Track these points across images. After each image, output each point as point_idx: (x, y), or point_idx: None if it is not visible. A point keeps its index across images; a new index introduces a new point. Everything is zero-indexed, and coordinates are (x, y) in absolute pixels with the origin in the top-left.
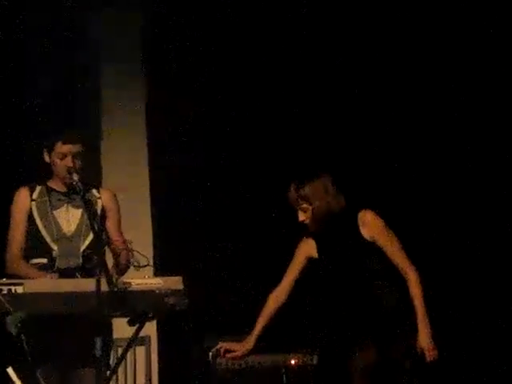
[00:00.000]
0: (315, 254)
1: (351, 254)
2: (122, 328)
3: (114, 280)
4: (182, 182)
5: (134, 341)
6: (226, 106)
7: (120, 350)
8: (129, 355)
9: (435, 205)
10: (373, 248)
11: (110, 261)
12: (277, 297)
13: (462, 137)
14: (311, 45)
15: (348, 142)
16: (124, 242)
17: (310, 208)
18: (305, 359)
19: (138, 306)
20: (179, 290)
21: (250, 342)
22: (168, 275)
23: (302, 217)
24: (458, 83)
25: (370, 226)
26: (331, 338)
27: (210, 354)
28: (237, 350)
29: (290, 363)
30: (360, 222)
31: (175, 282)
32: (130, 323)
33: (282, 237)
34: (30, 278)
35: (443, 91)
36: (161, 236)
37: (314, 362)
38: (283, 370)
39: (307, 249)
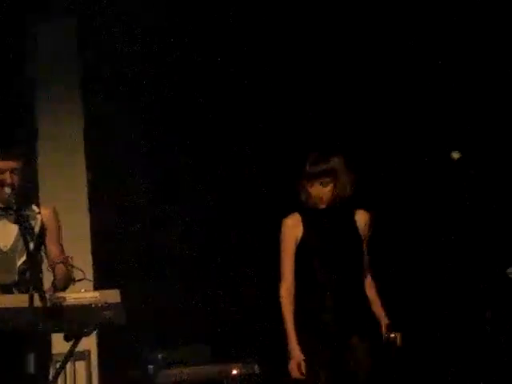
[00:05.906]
0: (300, 234)
1: (352, 242)
2: (61, 343)
3: (48, 295)
4: (121, 195)
5: (71, 356)
6: (168, 120)
7: None
8: (69, 370)
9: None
10: (362, 245)
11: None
12: (290, 290)
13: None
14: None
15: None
16: (65, 258)
17: (332, 183)
18: (247, 369)
19: (73, 321)
20: (116, 304)
21: (297, 352)
22: (107, 289)
23: (319, 192)
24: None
25: (368, 227)
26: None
27: (151, 366)
28: (293, 368)
29: (232, 373)
30: (357, 218)
31: (112, 296)
32: (66, 338)
33: (223, 245)
34: None
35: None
36: (100, 249)
37: (256, 371)
38: (225, 381)
39: (294, 232)
